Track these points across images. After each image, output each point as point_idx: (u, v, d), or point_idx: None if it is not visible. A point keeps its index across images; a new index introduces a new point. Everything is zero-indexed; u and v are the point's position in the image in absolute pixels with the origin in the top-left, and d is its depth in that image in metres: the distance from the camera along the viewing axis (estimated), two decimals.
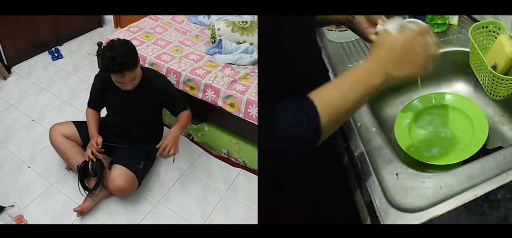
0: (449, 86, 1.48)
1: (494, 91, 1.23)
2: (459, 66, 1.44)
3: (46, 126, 2.49)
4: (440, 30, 1.59)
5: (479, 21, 1.39)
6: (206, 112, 2.51)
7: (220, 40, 2.63)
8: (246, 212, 2.11)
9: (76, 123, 2.20)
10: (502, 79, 1.18)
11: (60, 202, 2.08)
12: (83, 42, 3.63)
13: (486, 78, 1.25)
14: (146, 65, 2.49)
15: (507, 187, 0.94)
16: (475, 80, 1.38)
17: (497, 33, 1.28)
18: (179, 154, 2.43)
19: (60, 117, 2.59)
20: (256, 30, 2.69)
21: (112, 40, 1.97)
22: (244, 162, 2.41)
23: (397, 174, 1.07)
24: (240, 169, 2.38)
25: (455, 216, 0.93)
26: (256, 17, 2.78)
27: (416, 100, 1.42)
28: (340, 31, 1.64)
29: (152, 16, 3.04)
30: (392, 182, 1.06)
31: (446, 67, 1.47)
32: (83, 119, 2.27)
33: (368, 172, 1.11)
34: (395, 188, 1.04)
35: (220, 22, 2.74)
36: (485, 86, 1.28)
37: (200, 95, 2.37)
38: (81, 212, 1.99)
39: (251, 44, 2.67)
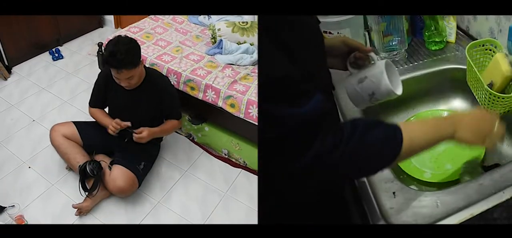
0: (447, 103, 1.49)
1: (491, 108, 1.24)
2: (456, 83, 1.45)
3: (47, 126, 2.49)
4: (437, 48, 1.60)
5: (476, 39, 1.40)
6: (206, 113, 2.51)
7: (221, 40, 2.63)
8: (247, 212, 2.11)
9: (77, 123, 2.20)
10: (498, 98, 1.20)
11: (61, 202, 2.08)
12: (84, 43, 3.63)
13: (483, 96, 1.26)
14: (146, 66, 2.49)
15: (504, 205, 0.93)
16: (472, 97, 1.39)
17: (494, 51, 1.30)
18: (179, 154, 2.44)
19: (61, 118, 2.59)
20: (257, 30, 2.69)
21: (119, 36, 1.98)
22: (244, 162, 2.41)
23: (394, 193, 1.07)
24: (240, 169, 2.38)
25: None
26: (256, 17, 2.78)
27: (413, 118, 1.43)
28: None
29: (152, 16, 3.04)
30: (388, 200, 1.05)
31: (443, 84, 1.48)
32: (84, 119, 2.27)
33: (365, 189, 1.11)
34: (391, 206, 1.03)
35: (221, 23, 2.74)
36: (482, 103, 1.29)
37: (200, 96, 2.37)
38: (80, 211, 1.99)
39: (251, 44, 2.67)
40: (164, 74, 2.40)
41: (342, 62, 1.07)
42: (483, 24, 1.49)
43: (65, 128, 2.17)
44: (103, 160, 2.13)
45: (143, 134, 2.03)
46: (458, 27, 1.63)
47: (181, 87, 2.42)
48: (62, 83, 3.07)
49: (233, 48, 2.61)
